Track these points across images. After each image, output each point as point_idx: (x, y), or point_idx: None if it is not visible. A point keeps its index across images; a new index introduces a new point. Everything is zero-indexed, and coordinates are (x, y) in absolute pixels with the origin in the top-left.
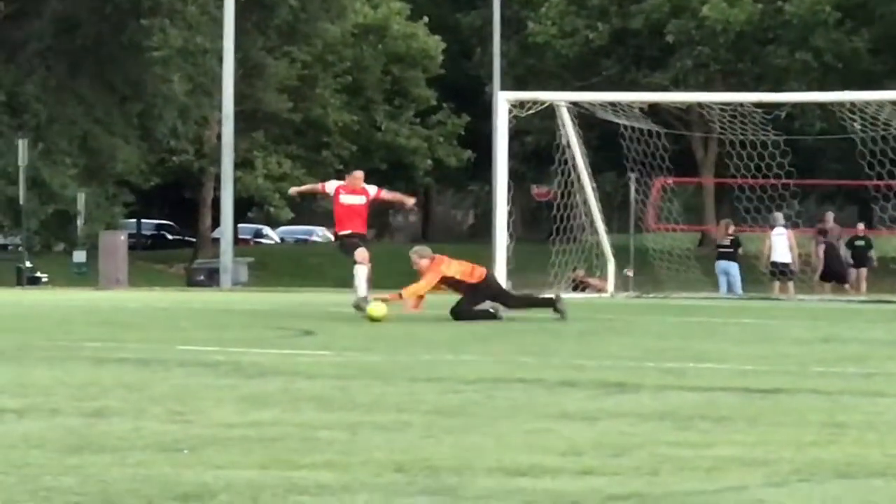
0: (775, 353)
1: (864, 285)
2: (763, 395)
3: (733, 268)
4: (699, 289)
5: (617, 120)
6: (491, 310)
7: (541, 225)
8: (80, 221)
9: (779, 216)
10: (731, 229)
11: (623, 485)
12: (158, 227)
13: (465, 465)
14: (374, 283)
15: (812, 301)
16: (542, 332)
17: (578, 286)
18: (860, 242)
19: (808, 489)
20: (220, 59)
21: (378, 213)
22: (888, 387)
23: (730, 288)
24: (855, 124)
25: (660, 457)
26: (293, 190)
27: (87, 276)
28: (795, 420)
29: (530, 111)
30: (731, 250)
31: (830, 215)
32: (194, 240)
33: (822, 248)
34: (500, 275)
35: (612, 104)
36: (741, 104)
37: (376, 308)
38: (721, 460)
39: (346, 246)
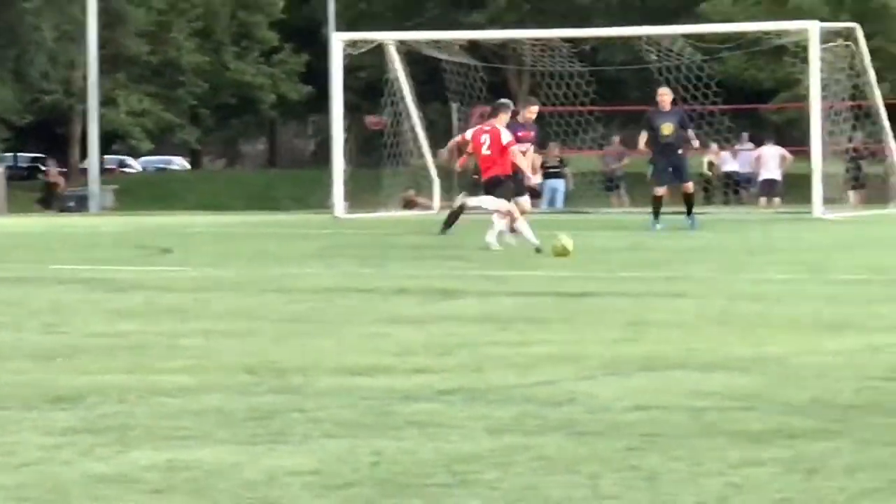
0: (585, 261)
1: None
2: (574, 298)
3: (560, 184)
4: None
5: (440, 56)
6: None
7: (375, 151)
8: None
9: (744, 135)
10: (557, 151)
11: (450, 381)
12: (33, 160)
13: (309, 366)
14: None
15: (615, 212)
16: (377, 245)
17: (408, 205)
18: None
19: (614, 381)
20: (85, 9)
21: (228, 139)
22: (687, 289)
23: (552, 203)
24: (652, 56)
25: (483, 355)
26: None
27: None
28: (603, 320)
29: (362, 50)
30: (559, 169)
31: (615, 138)
32: (65, 170)
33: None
34: (338, 196)
35: (436, 42)
36: (550, 39)
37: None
38: (537, 357)
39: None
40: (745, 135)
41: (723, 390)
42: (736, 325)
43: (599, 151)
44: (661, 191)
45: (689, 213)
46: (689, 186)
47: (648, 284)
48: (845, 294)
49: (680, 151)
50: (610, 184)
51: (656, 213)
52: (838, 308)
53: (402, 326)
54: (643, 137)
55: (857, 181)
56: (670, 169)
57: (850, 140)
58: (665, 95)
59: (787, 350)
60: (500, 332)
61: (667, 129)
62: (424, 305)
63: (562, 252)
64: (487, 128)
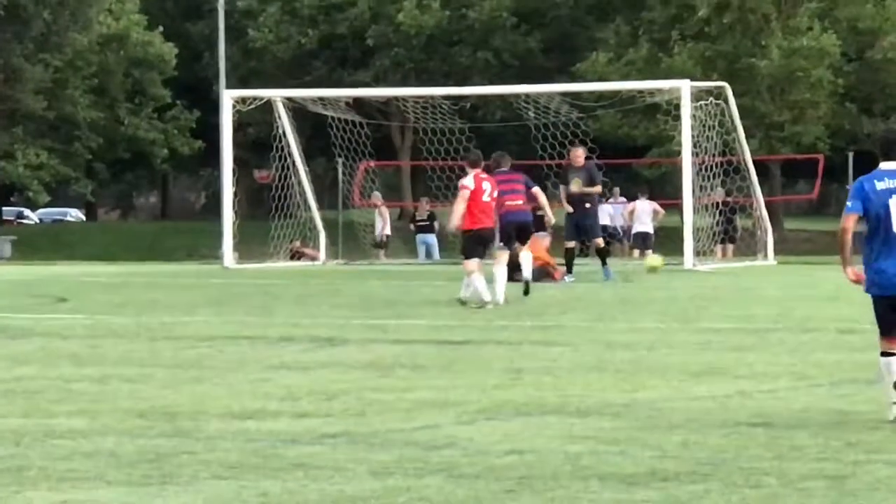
0: (464, 310)
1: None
2: (454, 346)
3: (431, 238)
4: (398, 256)
5: (325, 112)
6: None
7: (263, 204)
8: None
9: (616, 190)
10: (427, 206)
11: (333, 425)
12: None
13: (199, 410)
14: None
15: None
16: (264, 294)
17: (295, 255)
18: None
19: (493, 426)
20: None
21: (122, 192)
22: (563, 337)
23: (429, 255)
24: (529, 113)
25: (365, 400)
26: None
27: None
28: (482, 367)
29: (251, 106)
30: (429, 223)
31: None
32: None
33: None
34: (227, 247)
35: (322, 99)
36: (432, 97)
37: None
38: (418, 403)
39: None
40: (617, 189)
41: (596, 434)
42: (609, 371)
43: None
44: (569, 244)
45: (603, 264)
46: (599, 241)
47: (525, 333)
48: (715, 342)
49: (588, 206)
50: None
51: (568, 266)
52: (708, 356)
53: (288, 372)
54: (563, 192)
55: (728, 234)
56: (575, 224)
57: (721, 195)
58: (575, 152)
59: (658, 396)
60: (383, 378)
61: (575, 185)
62: (309, 352)
63: (653, 269)
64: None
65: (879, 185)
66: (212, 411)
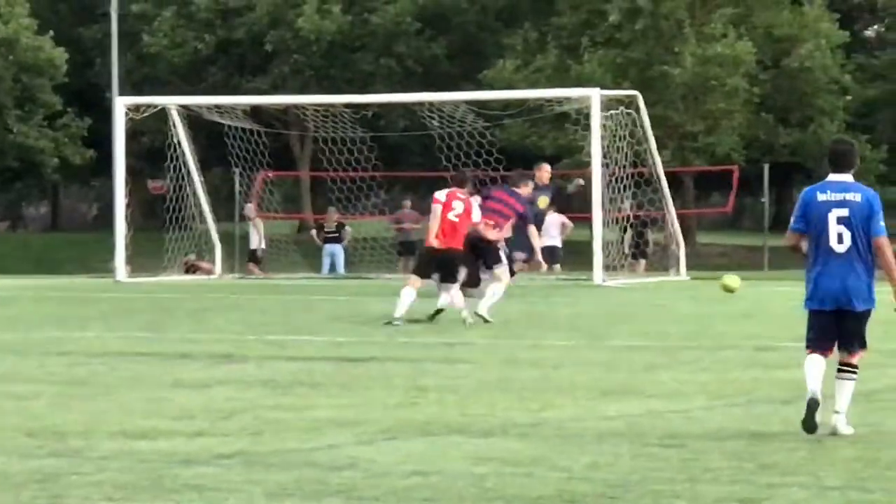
0: (366, 326)
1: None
2: (355, 363)
3: (338, 249)
4: (298, 270)
5: (222, 121)
6: None
7: (157, 215)
8: None
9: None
10: (336, 216)
11: (230, 445)
12: None
13: (90, 429)
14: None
15: (397, 278)
16: (158, 309)
17: (190, 269)
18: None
19: (394, 446)
20: None
21: (11, 202)
22: (467, 354)
23: (333, 269)
24: (434, 122)
25: (262, 419)
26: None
27: None
28: (383, 385)
29: (145, 114)
30: (337, 234)
31: (407, 202)
32: None
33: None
34: (120, 260)
35: (218, 107)
36: (332, 105)
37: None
38: (317, 422)
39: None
40: None
41: (502, 455)
42: (515, 390)
43: (389, 216)
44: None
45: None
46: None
47: (428, 350)
48: (625, 360)
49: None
50: (401, 248)
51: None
52: (617, 374)
53: (183, 391)
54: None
55: (639, 249)
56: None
57: (631, 207)
58: (542, 169)
59: (566, 415)
60: (281, 396)
61: (542, 202)
62: (205, 369)
63: (729, 289)
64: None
65: (821, 197)
66: (103, 430)
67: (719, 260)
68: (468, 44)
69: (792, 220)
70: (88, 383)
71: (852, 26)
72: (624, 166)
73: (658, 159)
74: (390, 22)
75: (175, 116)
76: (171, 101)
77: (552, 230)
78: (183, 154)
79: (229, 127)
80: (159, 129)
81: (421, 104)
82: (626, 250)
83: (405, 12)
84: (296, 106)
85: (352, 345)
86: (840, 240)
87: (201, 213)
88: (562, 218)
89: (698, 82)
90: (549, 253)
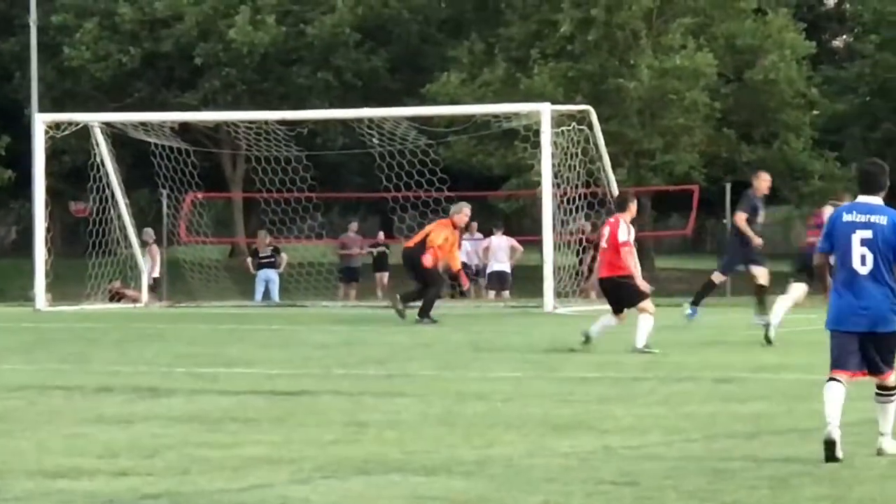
0: (301, 357)
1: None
2: (288, 397)
3: (273, 274)
4: (230, 297)
5: (148, 139)
6: None
7: (80, 239)
8: None
9: (473, 225)
10: (268, 240)
11: (155, 484)
12: None
13: (6, 468)
14: None
15: (335, 306)
16: (80, 340)
17: (114, 297)
18: (382, 249)
19: (330, 485)
20: None
21: None
22: (409, 387)
23: (267, 295)
24: (374, 139)
25: (190, 457)
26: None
27: None
28: (319, 420)
29: (66, 132)
30: (272, 259)
31: (353, 225)
32: None
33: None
34: (40, 288)
35: (144, 124)
36: (266, 122)
37: None
38: (248, 460)
39: None
40: (475, 224)
41: (445, 495)
42: (460, 425)
43: (330, 240)
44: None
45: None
46: None
47: (367, 383)
48: (578, 393)
49: None
50: (342, 275)
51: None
52: (570, 408)
53: (106, 426)
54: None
55: (594, 273)
56: None
57: (582, 230)
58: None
59: (515, 451)
60: (210, 432)
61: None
62: (130, 404)
63: None
64: (612, 220)
65: (846, 218)
66: (20, 469)
67: (678, 286)
68: (411, 56)
69: (819, 240)
70: (5, 419)
71: (819, 36)
72: (576, 186)
73: (613, 178)
74: (328, 33)
75: (98, 134)
76: (95, 118)
77: (500, 254)
78: (107, 174)
79: (156, 145)
80: (82, 148)
81: (360, 120)
82: (585, 273)
83: (343, 23)
84: (227, 123)
85: (286, 377)
86: (863, 261)
87: (126, 237)
88: (511, 241)
89: (655, 96)
90: (498, 278)
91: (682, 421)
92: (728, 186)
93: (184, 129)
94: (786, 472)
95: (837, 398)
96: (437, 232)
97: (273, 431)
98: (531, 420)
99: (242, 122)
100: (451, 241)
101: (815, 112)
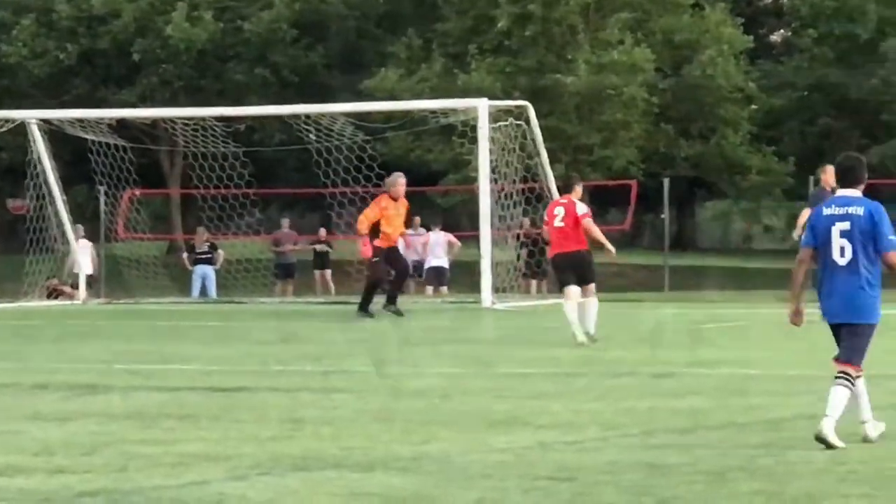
0: (238, 354)
1: (331, 286)
2: (226, 393)
3: (210, 271)
4: (168, 294)
5: (86, 136)
6: None
7: (18, 237)
8: None
9: (416, 220)
10: (206, 236)
11: (92, 482)
12: None
13: None
14: None
15: (273, 302)
16: (17, 337)
17: (52, 294)
18: (321, 247)
19: (267, 482)
20: None
21: None
22: (345, 383)
23: (204, 292)
24: (311, 135)
25: (127, 454)
26: None
27: None
28: (256, 416)
29: (3, 129)
30: (209, 255)
31: (286, 221)
32: None
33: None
34: None
35: (81, 121)
36: (203, 119)
37: None
38: (185, 456)
39: None
40: (417, 219)
41: (381, 491)
42: (396, 421)
43: (267, 236)
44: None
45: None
46: None
47: (304, 379)
48: (514, 389)
49: None
50: (277, 271)
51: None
52: (507, 404)
53: (42, 424)
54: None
55: (531, 269)
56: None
57: (521, 225)
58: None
59: (451, 448)
60: (147, 429)
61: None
62: (67, 401)
63: None
64: (564, 201)
65: (826, 211)
66: None
67: (616, 280)
68: (348, 52)
69: (803, 235)
70: None
71: (757, 31)
72: (514, 181)
73: (551, 174)
74: (265, 29)
75: (35, 131)
76: (31, 115)
77: (438, 250)
78: (44, 171)
79: (94, 142)
80: (19, 145)
81: (297, 117)
82: (523, 269)
83: (280, 19)
84: (164, 119)
85: (223, 374)
86: (842, 253)
87: (64, 234)
88: (448, 236)
89: (593, 91)
90: (436, 273)
91: (619, 416)
92: (666, 181)
93: (121, 126)
94: (722, 466)
95: (841, 396)
96: (371, 208)
97: (210, 428)
98: (468, 416)
99: (180, 118)
100: (391, 212)
101: (753, 107)
